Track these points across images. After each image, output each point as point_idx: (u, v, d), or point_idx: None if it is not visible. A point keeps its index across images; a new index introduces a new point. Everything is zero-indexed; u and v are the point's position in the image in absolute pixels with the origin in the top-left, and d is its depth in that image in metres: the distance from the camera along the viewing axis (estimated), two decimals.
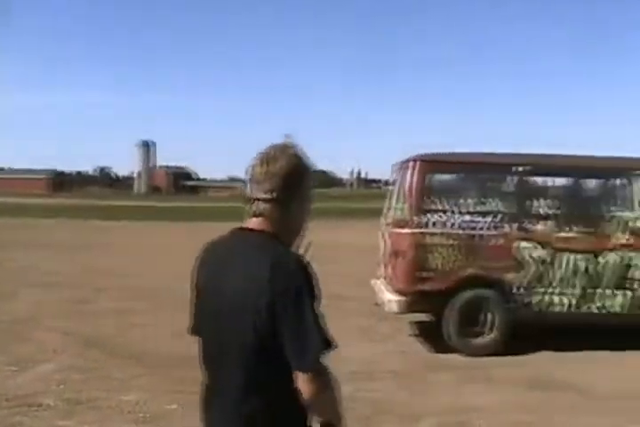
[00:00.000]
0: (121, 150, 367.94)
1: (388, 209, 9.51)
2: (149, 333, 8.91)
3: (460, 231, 8.09)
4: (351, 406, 6.16)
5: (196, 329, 2.38)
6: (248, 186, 2.27)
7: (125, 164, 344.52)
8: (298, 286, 2.10)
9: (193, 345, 2.41)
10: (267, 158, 2.25)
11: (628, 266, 8.40)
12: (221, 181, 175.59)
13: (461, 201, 8.30)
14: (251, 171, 2.27)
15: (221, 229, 2.62)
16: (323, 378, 2.13)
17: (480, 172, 8.81)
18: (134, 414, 5.83)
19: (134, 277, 14.31)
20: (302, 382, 2.11)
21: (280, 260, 2.13)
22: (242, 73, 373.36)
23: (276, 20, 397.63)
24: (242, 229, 2.29)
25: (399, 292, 8.14)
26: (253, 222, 2.26)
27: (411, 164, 8.42)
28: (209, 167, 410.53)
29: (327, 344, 2.12)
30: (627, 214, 8.57)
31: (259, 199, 2.23)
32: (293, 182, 2.24)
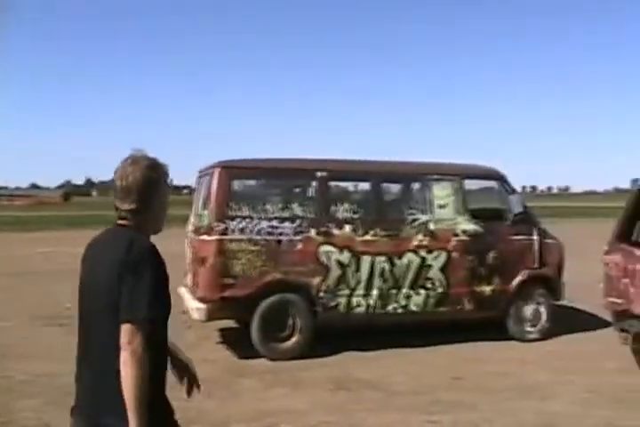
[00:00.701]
0: None
1: (193, 216, 9.39)
2: None
3: (264, 237, 8.09)
4: None
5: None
6: (114, 196, 2.75)
7: None
8: (140, 262, 2.60)
9: None
10: (123, 175, 2.72)
11: (426, 266, 8.77)
12: (22, 188, 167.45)
13: (264, 207, 8.29)
14: (114, 185, 2.74)
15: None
16: (140, 339, 2.51)
17: (282, 177, 8.90)
18: None
19: None
20: (123, 335, 2.53)
21: (132, 243, 2.65)
22: (43, 81, 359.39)
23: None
24: (116, 224, 2.80)
25: (202, 299, 8.02)
26: (122, 220, 2.78)
27: (213, 170, 8.35)
28: (11, 175, 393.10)
29: (153, 310, 2.57)
30: (424, 217, 8.92)
31: (122, 210, 2.76)
32: (148, 194, 2.74)
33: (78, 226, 38.58)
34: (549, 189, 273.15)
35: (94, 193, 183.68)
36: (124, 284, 2.56)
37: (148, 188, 2.74)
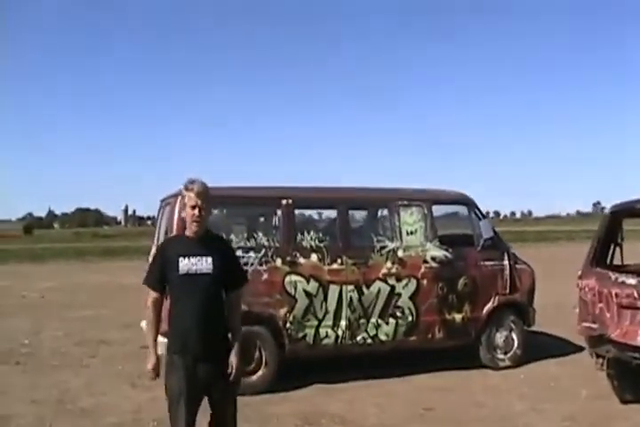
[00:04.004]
0: None
1: (155, 247, 9.12)
2: None
3: None
4: None
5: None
6: None
7: None
8: None
9: None
10: None
11: (396, 295, 8.58)
12: None
13: (229, 236, 8.01)
14: None
15: None
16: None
17: (246, 206, 8.66)
18: None
19: None
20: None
21: None
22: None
23: None
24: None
25: (163, 333, 7.71)
26: None
27: (174, 199, 8.10)
28: None
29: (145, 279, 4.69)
30: (392, 244, 8.74)
31: None
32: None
33: (39, 260, 38.05)
34: (513, 213, 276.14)
35: (56, 225, 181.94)
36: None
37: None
